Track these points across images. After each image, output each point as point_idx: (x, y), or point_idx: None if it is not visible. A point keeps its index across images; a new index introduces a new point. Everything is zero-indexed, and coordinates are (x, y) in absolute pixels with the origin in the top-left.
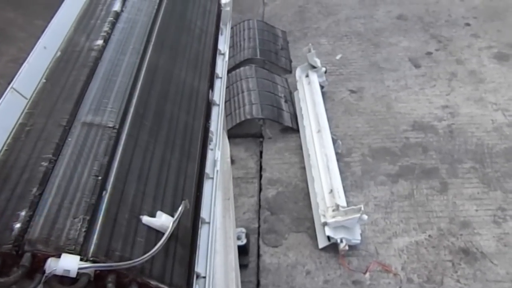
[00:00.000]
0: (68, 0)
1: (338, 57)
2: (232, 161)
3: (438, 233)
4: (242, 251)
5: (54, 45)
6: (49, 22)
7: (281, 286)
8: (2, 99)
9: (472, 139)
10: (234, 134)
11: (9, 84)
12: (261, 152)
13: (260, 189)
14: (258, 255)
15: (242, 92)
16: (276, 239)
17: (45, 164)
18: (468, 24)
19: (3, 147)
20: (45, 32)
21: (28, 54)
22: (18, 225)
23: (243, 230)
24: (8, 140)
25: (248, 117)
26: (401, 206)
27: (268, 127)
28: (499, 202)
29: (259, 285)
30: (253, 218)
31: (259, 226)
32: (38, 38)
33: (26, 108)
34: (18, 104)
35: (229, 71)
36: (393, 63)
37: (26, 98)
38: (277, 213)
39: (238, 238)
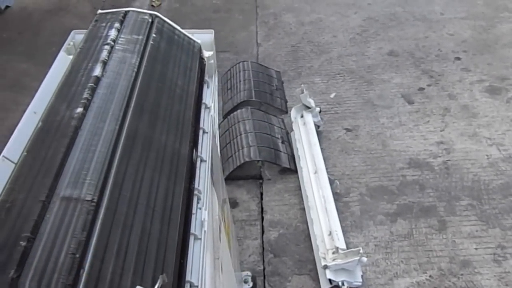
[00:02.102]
0: (57, 62)
1: (332, 95)
2: (236, 204)
3: (439, 273)
4: None
5: (43, 111)
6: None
7: None
8: None
9: (468, 175)
10: (236, 176)
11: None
12: (261, 194)
13: (263, 231)
14: None
15: (240, 134)
16: (281, 281)
17: (23, 243)
18: (458, 58)
19: None
20: (34, 96)
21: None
22: None
23: (249, 273)
24: None
25: (247, 159)
26: (401, 246)
27: (266, 168)
28: (498, 240)
29: None
30: (258, 261)
31: (264, 269)
32: None
33: (8, 183)
34: (9, 172)
35: (228, 113)
36: (387, 100)
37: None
38: (280, 256)
39: (245, 282)
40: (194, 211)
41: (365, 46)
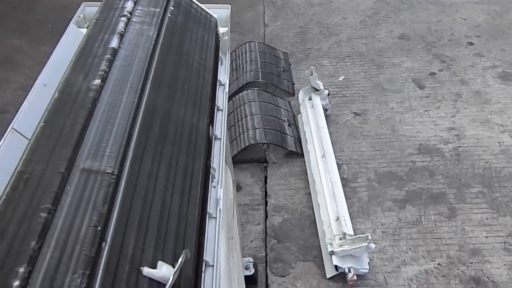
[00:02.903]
0: (67, 35)
1: (341, 78)
2: (239, 187)
3: (448, 261)
4: (251, 281)
5: (54, 83)
6: (50, 55)
7: None
8: (2, 140)
9: (480, 162)
10: (240, 159)
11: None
12: (265, 178)
13: (266, 216)
14: (267, 285)
15: (246, 116)
16: (284, 268)
17: (44, 215)
18: (471, 43)
19: (1, 196)
20: (44, 68)
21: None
22: (16, 283)
23: (251, 260)
24: (7, 190)
25: (252, 142)
26: (409, 233)
27: (272, 152)
28: (509, 228)
29: None
30: (260, 247)
31: (266, 255)
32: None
33: (25, 154)
34: (19, 145)
35: (233, 95)
36: (397, 84)
37: (27, 139)
38: (284, 241)
39: (246, 268)
40: (209, 189)
41: (376, 28)
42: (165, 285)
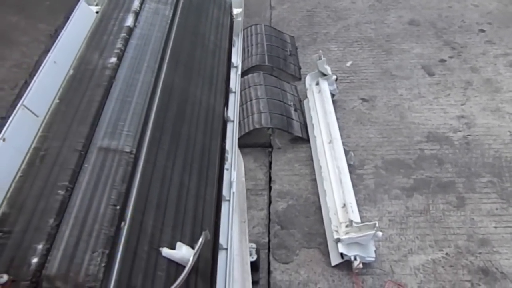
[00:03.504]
0: (77, 13)
1: (348, 64)
2: None
3: (456, 251)
4: (253, 267)
5: (64, 60)
6: (57, 32)
7: None
8: (12, 117)
9: (490, 151)
10: (243, 143)
11: (12, 89)
12: (270, 163)
13: (270, 202)
14: (269, 272)
15: (251, 100)
16: (287, 255)
17: (61, 192)
18: (482, 30)
19: (17, 172)
20: (54, 46)
21: (32, 59)
22: (35, 260)
23: (253, 245)
24: (23, 166)
25: (257, 126)
26: (416, 222)
27: (277, 136)
28: None
29: None
30: (263, 233)
31: (269, 241)
32: (42, 43)
33: (40, 130)
34: (29, 122)
35: None
36: (406, 71)
37: (37, 116)
38: (288, 228)
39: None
40: (223, 171)
41: (385, 14)
42: (184, 266)
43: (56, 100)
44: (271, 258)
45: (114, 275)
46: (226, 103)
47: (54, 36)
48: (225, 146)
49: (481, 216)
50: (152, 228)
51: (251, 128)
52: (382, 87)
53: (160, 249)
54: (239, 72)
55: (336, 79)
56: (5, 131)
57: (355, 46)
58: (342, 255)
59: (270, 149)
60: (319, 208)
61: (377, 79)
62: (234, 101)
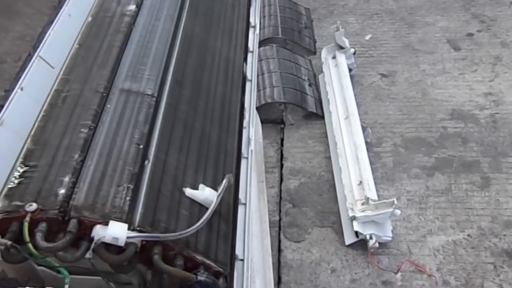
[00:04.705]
0: None
1: (367, 37)
2: None
3: (479, 233)
4: None
5: (79, 13)
6: (61, 2)
7: (304, 284)
8: (28, 68)
9: None
10: None
11: (16, 62)
12: (282, 140)
13: (281, 180)
14: (279, 250)
15: (263, 74)
16: (299, 233)
17: (85, 130)
18: None
19: (39, 112)
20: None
21: (35, 31)
22: (62, 191)
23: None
24: (45, 106)
25: (269, 100)
26: (437, 202)
27: (290, 112)
28: None
29: (280, 282)
30: (274, 211)
31: (280, 219)
32: (45, 14)
33: (60, 74)
34: (45, 73)
35: None
36: (430, 45)
37: (52, 67)
38: (300, 206)
39: None
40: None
41: None
42: (206, 208)
43: (76, 45)
44: (281, 236)
45: (139, 208)
46: (245, 59)
47: (58, 6)
48: (244, 101)
49: (507, 197)
50: (175, 169)
51: (263, 102)
52: (403, 62)
53: (184, 189)
54: (257, 31)
55: (354, 53)
56: (22, 80)
57: (375, 18)
58: (357, 233)
59: (282, 126)
60: (333, 186)
61: (398, 53)
62: (252, 60)
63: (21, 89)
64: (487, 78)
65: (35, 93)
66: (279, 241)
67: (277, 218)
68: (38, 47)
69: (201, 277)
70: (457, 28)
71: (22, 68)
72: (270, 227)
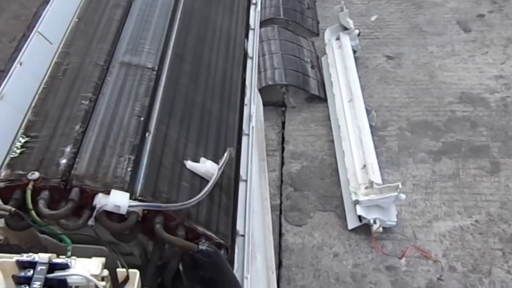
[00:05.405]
0: None
1: (373, 18)
2: None
3: (487, 219)
4: None
5: None
6: None
7: (305, 268)
8: (27, 44)
9: None
10: None
11: (10, 42)
12: (283, 123)
13: (282, 163)
14: (280, 234)
15: (263, 55)
16: (300, 217)
17: (86, 102)
18: None
19: (40, 85)
20: None
21: (30, 11)
22: (64, 161)
23: None
24: (45, 79)
25: (270, 83)
26: (444, 187)
27: (291, 95)
28: None
29: (281, 265)
30: (275, 194)
31: (281, 203)
32: None
33: (60, 47)
34: (43, 49)
35: None
36: (438, 26)
37: (51, 43)
38: (301, 190)
39: None
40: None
41: None
42: (207, 181)
43: (75, 19)
44: (282, 220)
45: (140, 179)
46: (246, 35)
47: None
48: (245, 77)
49: None
50: (176, 141)
51: (263, 85)
52: (410, 44)
53: (185, 161)
54: (258, 9)
55: (359, 34)
56: (21, 56)
57: None
58: (360, 218)
59: (283, 108)
60: (336, 170)
61: (404, 35)
62: (253, 38)
63: (20, 64)
64: (498, 60)
65: (34, 68)
66: (280, 225)
67: (278, 202)
68: (33, 26)
69: (203, 246)
70: (467, 9)
71: (19, 47)
72: (271, 210)
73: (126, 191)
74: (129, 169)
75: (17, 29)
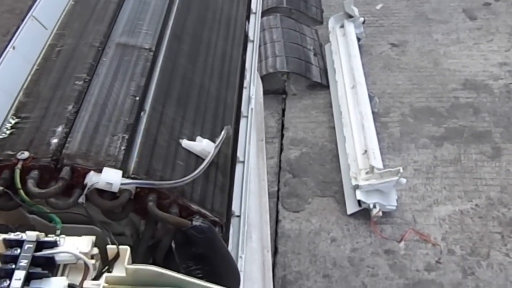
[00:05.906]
0: None
1: (378, 6)
2: None
3: (487, 203)
4: None
5: None
6: None
7: (302, 254)
8: (21, 27)
9: None
10: None
11: (4, 36)
12: (283, 110)
13: (281, 150)
14: (277, 221)
15: (265, 43)
16: (298, 203)
17: (79, 83)
18: None
19: (33, 66)
20: None
21: (25, 4)
22: (55, 140)
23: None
24: (39, 60)
25: (271, 70)
26: (445, 172)
27: (293, 82)
28: None
29: (276, 252)
30: (272, 181)
31: (278, 190)
32: None
33: (55, 29)
34: (38, 33)
35: None
36: (444, 14)
37: (45, 28)
38: (300, 176)
39: None
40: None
41: None
42: (203, 159)
43: (71, 2)
44: (280, 207)
45: (134, 157)
46: (247, 17)
47: None
48: (245, 59)
49: None
50: (172, 120)
51: (264, 73)
52: (415, 31)
53: (180, 140)
54: None
55: (364, 22)
56: (14, 40)
57: None
58: (359, 203)
59: (284, 96)
60: (336, 156)
61: (410, 23)
62: (254, 22)
63: (13, 48)
64: (503, 48)
65: (27, 52)
66: (277, 212)
67: (276, 188)
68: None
69: (196, 222)
70: None
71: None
72: (269, 197)
73: (119, 169)
74: (122, 147)
75: (11, 23)
